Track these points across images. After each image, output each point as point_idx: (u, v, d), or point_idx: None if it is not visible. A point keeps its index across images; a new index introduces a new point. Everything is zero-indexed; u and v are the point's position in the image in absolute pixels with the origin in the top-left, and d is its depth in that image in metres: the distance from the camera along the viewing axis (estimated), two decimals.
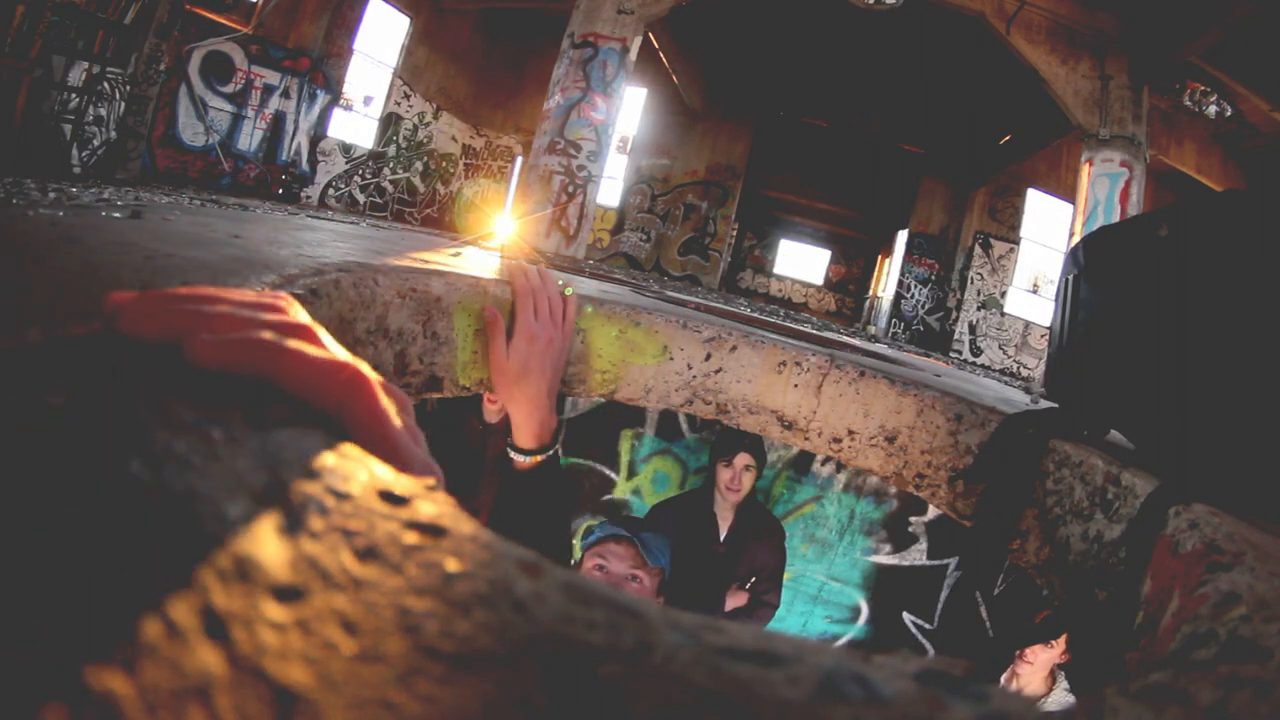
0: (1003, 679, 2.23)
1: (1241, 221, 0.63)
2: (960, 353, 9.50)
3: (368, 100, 8.84)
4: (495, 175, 11.41)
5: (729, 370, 1.35)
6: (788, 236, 17.40)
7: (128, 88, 5.74)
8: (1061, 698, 2.17)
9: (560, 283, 0.87)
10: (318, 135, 8.02)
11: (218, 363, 0.25)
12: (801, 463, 2.79)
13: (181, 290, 0.29)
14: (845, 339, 2.56)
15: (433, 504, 0.21)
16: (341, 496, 0.20)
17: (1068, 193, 8.56)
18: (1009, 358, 9.61)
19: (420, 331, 0.77)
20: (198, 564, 0.15)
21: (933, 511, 2.81)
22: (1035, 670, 2.19)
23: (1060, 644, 2.15)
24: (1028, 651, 2.20)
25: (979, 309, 9.70)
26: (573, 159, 5.69)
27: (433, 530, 0.19)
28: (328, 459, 0.22)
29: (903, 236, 10.38)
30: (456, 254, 1.19)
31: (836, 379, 1.28)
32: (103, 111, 5.56)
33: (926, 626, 2.88)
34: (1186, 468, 0.63)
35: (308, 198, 8.02)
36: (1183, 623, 0.36)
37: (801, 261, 17.84)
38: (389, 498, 0.21)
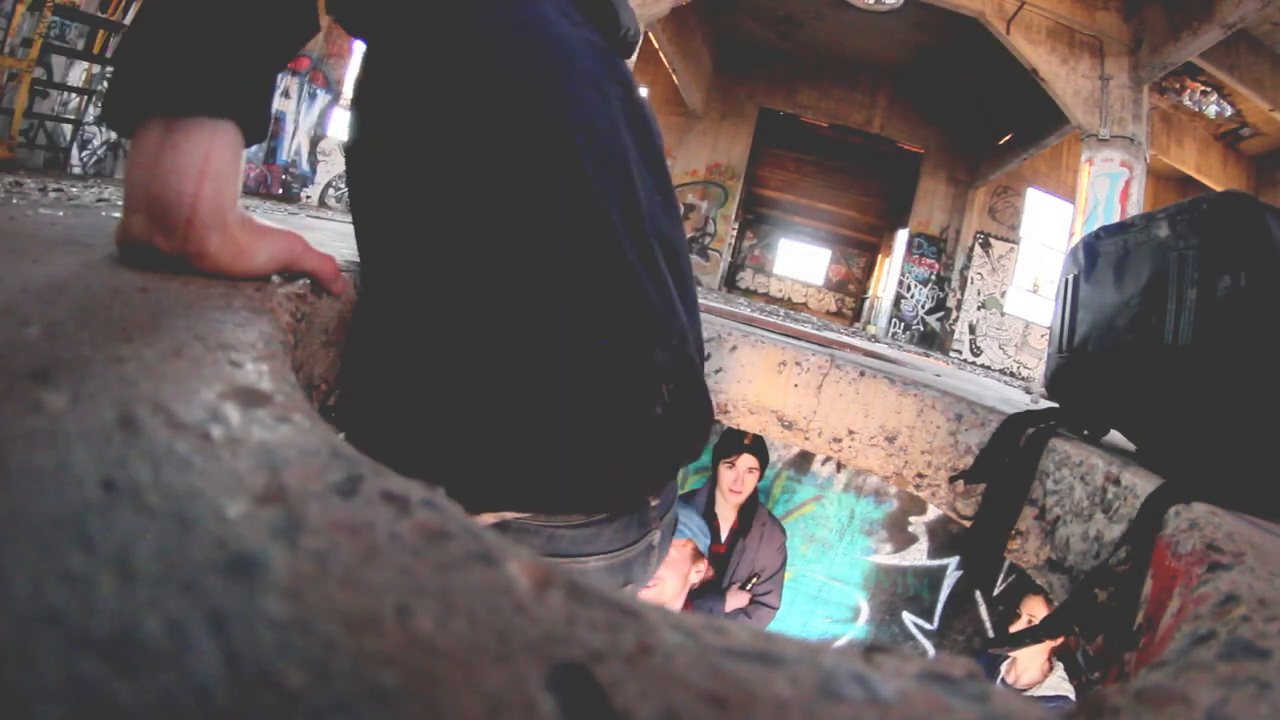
0: (1003, 668, 2.25)
1: (1242, 221, 0.63)
2: (960, 353, 9.50)
3: None
4: None
5: (729, 370, 1.35)
6: (788, 236, 17.42)
7: None
8: (1058, 684, 2.20)
9: None
10: (318, 135, 8.01)
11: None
12: (801, 463, 2.79)
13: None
14: (845, 339, 2.56)
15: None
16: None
17: (1068, 192, 8.56)
18: (1009, 358, 9.61)
19: None
20: None
21: (933, 511, 2.81)
22: (1031, 654, 2.21)
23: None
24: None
25: (979, 309, 9.70)
26: None
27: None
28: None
29: (903, 236, 10.38)
30: None
31: (836, 379, 1.28)
32: None
33: (926, 626, 2.88)
34: (1188, 467, 0.63)
35: (308, 198, 8.02)
36: (1183, 622, 0.36)
37: (801, 261, 17.84)
38: (389, 497, 0.21)
